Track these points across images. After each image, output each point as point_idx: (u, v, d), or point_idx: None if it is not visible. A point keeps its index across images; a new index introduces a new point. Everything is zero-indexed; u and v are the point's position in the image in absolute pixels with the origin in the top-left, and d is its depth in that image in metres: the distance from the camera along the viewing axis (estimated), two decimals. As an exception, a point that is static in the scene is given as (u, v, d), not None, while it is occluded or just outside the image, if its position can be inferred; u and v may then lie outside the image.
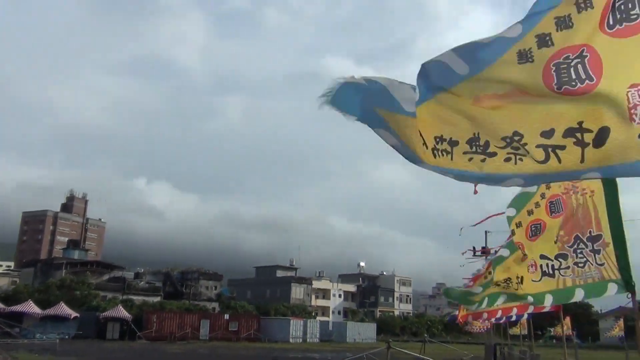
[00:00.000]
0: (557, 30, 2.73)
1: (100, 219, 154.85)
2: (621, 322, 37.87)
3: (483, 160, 2.98)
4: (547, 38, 2.75)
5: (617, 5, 2.62)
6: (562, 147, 2.76)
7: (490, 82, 2.93)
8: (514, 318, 21.12)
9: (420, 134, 3.07)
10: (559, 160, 2.77)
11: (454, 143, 3.04)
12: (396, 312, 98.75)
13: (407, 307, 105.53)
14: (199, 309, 64.34)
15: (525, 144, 2.85)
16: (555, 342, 57.10)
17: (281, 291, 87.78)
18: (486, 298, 9.10)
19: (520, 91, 2.85)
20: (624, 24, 2.60)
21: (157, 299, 69.86)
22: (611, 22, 2.63)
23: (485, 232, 31.63)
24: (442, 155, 3.07)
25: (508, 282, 8.82)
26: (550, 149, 2.79)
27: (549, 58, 2.73)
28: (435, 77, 3.02)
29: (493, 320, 21.29)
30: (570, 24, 2.70)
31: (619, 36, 2.62)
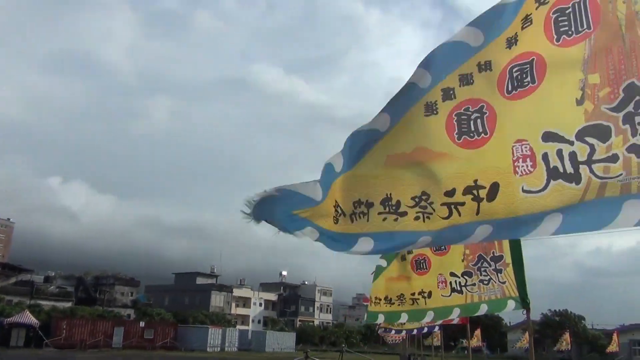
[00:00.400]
0: (459, 86, 3.12)
1: (8, 219, 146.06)
2: (527, 335, 40.01)
3: (396, 220, 3.26)
4: (451, 92, 3.14)
5: (514, 74, 3.00)
6: (462, 204, 3.09)
7: (400, 138, 3.26)
8: (425, 330, 21.79)
9: (338, 205, 3.36)
10: (459, 214, 3.10)
11: (369, 205, 3.31)
12: (316, 322, 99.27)
13: (327, 317, 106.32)
14: (112, 315, 62.03)
15: (432, 202, 3.17)
16: (466, 352, 59.41)
17: (201, 299, 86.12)
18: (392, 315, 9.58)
19: (425, 150, 3.19)
20: (518, 89, 2.98)
21: (68, 304, 66.80)
22: (509, 88, 3.01)
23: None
24: (360, 217, 3.33)
25: (402, 298, 9.27)
26: (452, 206, 3.12)
27: (452, 109, 3.12)
28: (362, 140, 3.38)
29: (404, 332, 21.87)
30: (472, 81, 3.10)
31: (512, 98, 3.00)
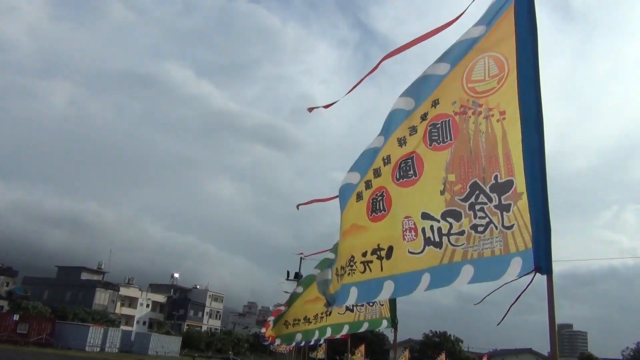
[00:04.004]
0: (374, 178, 4.44)
1: None
2: (407, 352, 41.80)
3: (349, 274, 4.40)
4: (370, 183, 4.45)
5: (401, 166, 4.28)
6: (371, 262, 4.29)
7: (344, 219, 4.57)
8: (312, 343, 22.33)
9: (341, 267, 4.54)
10: (370, 270, 4.27)
11: (342, 267, 4.50)
12: (204, 328, 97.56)
13: (216, 323, 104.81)
14: (-17, 306, 57.52)
15: (355, 262, 4.38)
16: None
17: (84, 295, 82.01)
18: (317, 331, 10.35)
19: (355, 225, 4.47)
20: (405, 179, 4.27)
21: None
22: (397, 177, 4.32)
23: (300, 258, 33.15)
24: (348, 274, 4.43)
25: (317, 317, 9.97)
26: (365, 264, 4.32)
27: (370, 195, 4.43)
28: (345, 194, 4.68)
29: (294, 344, 22.25)
30: (380, 174, 4.41)
31: (401, 185, 4.28)
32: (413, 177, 4.18)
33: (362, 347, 37.17)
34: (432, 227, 3.98)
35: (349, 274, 4.41)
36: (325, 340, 19.99)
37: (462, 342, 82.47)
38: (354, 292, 4.36)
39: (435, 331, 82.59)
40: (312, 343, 20.97)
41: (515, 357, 76.06)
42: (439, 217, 3.95)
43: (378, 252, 4.29)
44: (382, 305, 8.79)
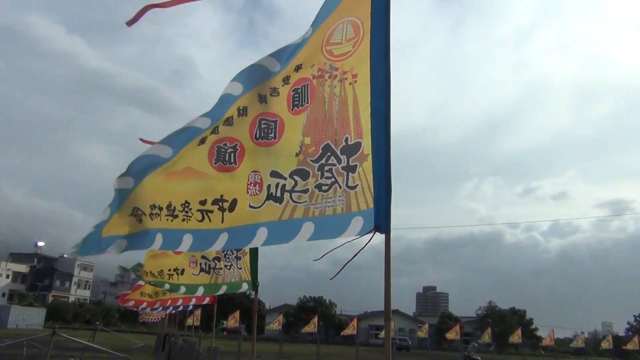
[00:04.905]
0: (222, 125, 4.24)
1: None
2: (281, 317, 42.70)
3: (172, 220, 4.21)
4: (216, 129, 4.25)
5: (262, 125, 4.17)
6: (211, 211, 4.13)
7: (177, 161, 4.27)
8: (180, 308, 22.04)
9: (138, 209, 4.28)
10: (210, 220, 4.12)
11: (160, 208, 4.25)
12: (72, 298, 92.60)
13: (85, 294, 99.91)
14: None
15: (191, 208, 4.18)
16: (226, 334, 61.17)
17: None
18: (182, 287, 10.12)
19: (190, 169, 4.25)
20: (264, 140, 4.15)
21: None
22: (257, 135, 4.18)
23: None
24: (156, 217, 4.25)
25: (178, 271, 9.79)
26: (204, 212, 4.15)
27: (214, 142, 4.23)
28: (146, 162, 4.32)
29: (161, 309, 21.80)
30: (232, 123, 4.23)
31: (259, 145, 4.16)
32: (273, 139, 4.15)
33: (237, 313, 37.34)
34: (277, 184, 3.99)
35: (183, 219, 4.19)
36: (194, 306, 19.83)
37: (336, 305, 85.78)
38: (159, 239, 4.21)
39: (311, 296, 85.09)
40: (180, 307, 20.71)
41: (383, 318, 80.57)
42: (286, 175, 3.97)
43: (220, 203, 4.15)
44: (241, 268, 8.85)
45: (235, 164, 4.19)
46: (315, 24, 4.12)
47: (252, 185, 4.08)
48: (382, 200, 3.56)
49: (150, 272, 10.65)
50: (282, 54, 4.22)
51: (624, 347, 49.49)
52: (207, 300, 15.25)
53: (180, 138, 4.30)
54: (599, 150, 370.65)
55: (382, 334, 53.92)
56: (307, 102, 4.04)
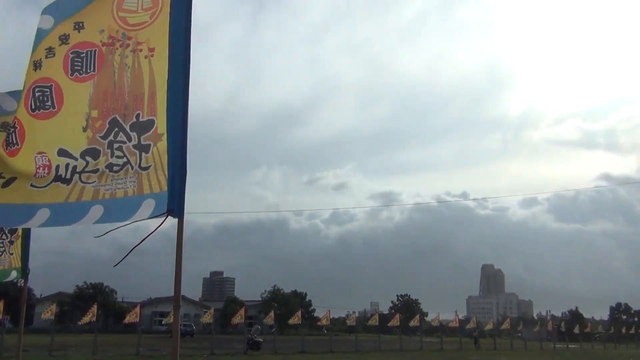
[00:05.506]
0: None
1: None
2: (54, 306, 39.27)
3: None
4: None
5: (36, 94, 3.70)
6: None
7: None
8: None
9: None
10: None
11: None
12: None
13: None
14: None
15: None
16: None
17: None
18: None
19: None
20: (41, 110, 3.71)
21: None
22: (33, 106, 3.71)
23: None
24: None
25: None
26: None
27: None
28: None
29: None
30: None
31: (36, 117, 3.70)
32: (51, 109, 3.71)
33: (1, 304, 33.31)
34: (67, 165, 3.63)
35: None
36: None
37: (116, 292, 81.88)
38: None
39: (90, 283, 79.87)
40: None
41: (169, 304, 78.74)
42: (77, 156, 3.63)
43: None
44: (12, 254, 7.85)
45: (18, 145, 3.66)
46: None
47: (41, 168, 3.62)
48: (176, 184, 3.47)
49: None
50: (58, 8, 3.80)
51: (388, 325, 55.37)
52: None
53: None
54: (375, 148, 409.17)
55: (166, 319, 52.88)
56: (93, 70, 3.69)
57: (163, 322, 64.52)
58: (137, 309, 38.29)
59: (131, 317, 37.67)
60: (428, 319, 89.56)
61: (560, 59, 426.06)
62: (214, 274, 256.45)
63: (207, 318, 46.81)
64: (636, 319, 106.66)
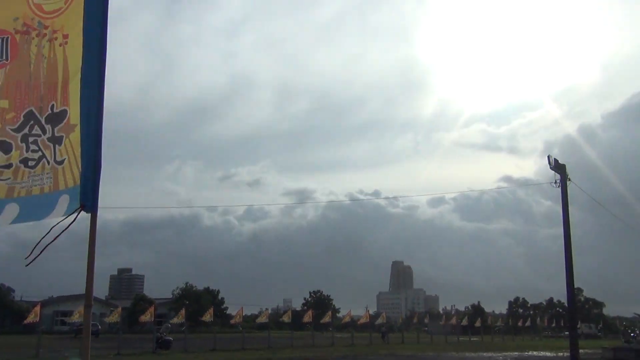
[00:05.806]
0: None
1: None
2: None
3: None
4: None
5: None
6: None
7: None
8: None
9: None
10: None
11: None
12: None
13: None
14: None
15: None
16: None
17: None
18: None
19: None
20: None
21: None
22: None
23: None
24: None
25: None
26: None
27: None
28: None
29: None
30: None
31: None
32: None
33: None
34: None
35: None
36: None
37: (14, 291, 77.44)
38: None
39: (-15, 283, 74.80)
40: None
41: (72, 303, 75.14)
42: None
43: None
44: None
45: None
46: None
47: None
48: (89, 177, 3.35)
49: None
50: None
51: (301, 321, 55.89)
52: None
53: None
54: (291, 145, 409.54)
55: (72, 319, 50.40)
56: (6, 59, 3.47)
57: (67, 322, 61.46)
58: (37, 309, 36.22)
59: (31, 317, 35.61)
60: (340, 315, 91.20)
61: (469, 64, 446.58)
62: (122, 271, 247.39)
63: (114, 317, 45.10)
64: (531, 312, 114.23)
